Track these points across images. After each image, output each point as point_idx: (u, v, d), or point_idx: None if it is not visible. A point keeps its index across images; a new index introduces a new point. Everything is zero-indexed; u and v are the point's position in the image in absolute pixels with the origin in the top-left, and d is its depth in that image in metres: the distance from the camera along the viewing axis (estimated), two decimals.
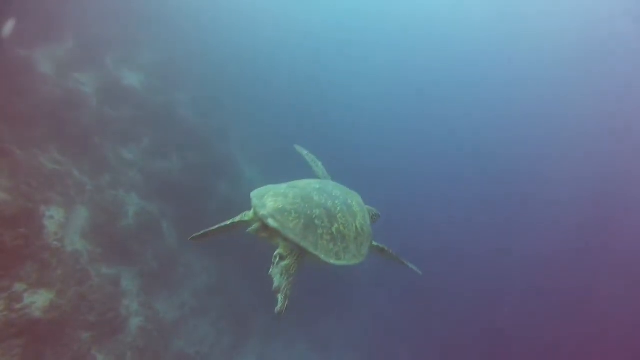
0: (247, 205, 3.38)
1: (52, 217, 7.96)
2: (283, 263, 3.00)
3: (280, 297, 2.87)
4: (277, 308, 2.86)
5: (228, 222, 3.50)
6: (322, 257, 3.10)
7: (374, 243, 3.88)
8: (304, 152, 5.02)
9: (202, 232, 3.56)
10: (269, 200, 3.28)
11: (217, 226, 3.54)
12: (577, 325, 17.17)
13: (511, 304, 17.57)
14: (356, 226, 3.52)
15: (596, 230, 20.96)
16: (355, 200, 3.88)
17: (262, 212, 3.16)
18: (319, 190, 3.61)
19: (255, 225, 3.26)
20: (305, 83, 23.59)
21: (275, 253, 3.06)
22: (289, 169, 16.98)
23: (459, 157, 25.60)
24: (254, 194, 3.44)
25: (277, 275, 2.93)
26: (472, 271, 18.43)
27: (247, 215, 3.42)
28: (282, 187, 3.58)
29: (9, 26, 9.55)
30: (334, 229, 3.27)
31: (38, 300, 6.66)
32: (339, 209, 3.46)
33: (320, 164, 4.84)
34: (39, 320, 6.50)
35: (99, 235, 8.72)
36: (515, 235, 21.04)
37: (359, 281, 15.19)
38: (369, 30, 31.01)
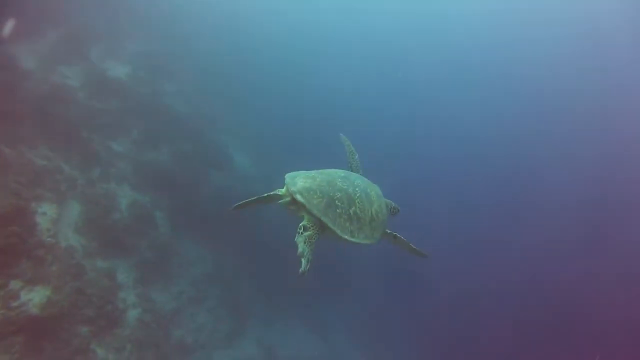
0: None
1: (45, 213, 7.95)
2: (306, 233, 3.57)
3: (303, 260, 3.37)
4: (301, 269, 3.34)
5: (264, 195, 4.01)
6: (339, 232, 3.70)
7: (388, 230, 4.40)
8: (347, 142, 5.40)
9: (242, 202, 4.03)
10: (300, 180, 3.88)
11: (254, 197, 4.03)
12: (579, 326, 17.22)
13: (510, 302, 17.58)
14: (372, 212, 4.09)
15: (598, 230, 21.01)
16: (374, 191, 4.42)
17: (293, 188, 3.77)
18: (343, 178, 4.18)
19: (286, 199, 3.87)
20: (294, 72, 23.38)
21: (300, 224, 3.64)
22: (278, 156, 16.95)
23: (459, 157, 25.47)
24: (287, 175, 4.03)
25: (301, 243, 3.48)
26: (471, 268, 18.43)
27: (280, 190, 3.99)
28: (312, 172, 4.15)
29: None
30: (351, 211, 3.86)
31: (35, 297, 6.69)
32: (358, 195, 4.02)
33: (356, 156, 5.27)
34: (36, 317, 6.54)
35: (92, 229, 8.73)
36: (517, 234, 20.99)
37: (360, 270, 15.25)
38: (362, 18, 30.81)
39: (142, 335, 8.43)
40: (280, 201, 3.91)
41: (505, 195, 23.73)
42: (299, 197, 3.68)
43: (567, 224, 21.16)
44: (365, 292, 15.49)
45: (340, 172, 4.35)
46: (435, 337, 15.47)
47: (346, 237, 3.74)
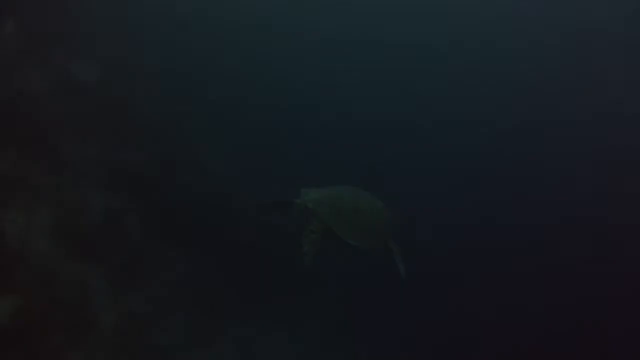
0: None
1: (12, 220, 7.80)
2: (313, 235, 4.50)
3: (307, 256, 4.26)
4: (305, 262, 4.25)
5: (282, 200, 5.05)
6: (341, 235, 4.65)
7: (388, 243, 5.43)
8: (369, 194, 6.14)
9: (264, 201, 5.16)
10: (313, 193, 4.84)
11: (276, 199, 5.08)
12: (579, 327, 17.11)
13: (509, 301, 17.29)
14: (373, 223, 4.96)
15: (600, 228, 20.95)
16: (378, 206, 5.32)
17: (306, 198, 4.78)
18: (351, 193, 5.08)
19: (300, 207, 4.79)
20: (268, 72, 23.12)
21: (308, 228, 4.58)
22: (253, 158, 16.82)
23: (456, 153, 25.22)
24: (303, 189, 4.95)
25: (307, 243, 4.41)
26: (466, 268, 18.22)
27: (297, 200, 4.91)
28: (325, 188, 5.06)
29: None
30: (354, 220, 4.71)
31: (3, 308, 6.56)
32: (361, 208, 4.90)
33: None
34: (5, 328, 6.42)
35: (64, 235, 8.59)
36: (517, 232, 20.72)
37: (345, 269, 15.19)
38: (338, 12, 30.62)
39: (118, 341, 8.35)
40: (295, 207, 4.79)
41: (505, 192, 23.54)
42: (310, 206, 4.62)
43: (567, 223, 21.13)
44: (350, 292, 15.44)
45: (350, 189, 5.25)
46: (425, 335, 15.38)
47: (347, 239, 4.61)
